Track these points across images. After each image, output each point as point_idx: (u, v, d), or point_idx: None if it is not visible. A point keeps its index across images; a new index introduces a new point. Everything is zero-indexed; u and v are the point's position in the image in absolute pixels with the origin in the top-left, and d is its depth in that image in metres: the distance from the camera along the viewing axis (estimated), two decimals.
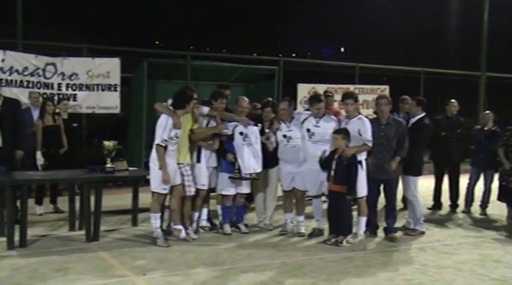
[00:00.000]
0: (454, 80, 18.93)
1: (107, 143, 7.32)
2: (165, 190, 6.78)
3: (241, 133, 7.38)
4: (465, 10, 20.39)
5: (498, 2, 18.25)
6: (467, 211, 9.67)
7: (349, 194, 6.90)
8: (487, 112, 9.79)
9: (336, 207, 7.05)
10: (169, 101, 7.01)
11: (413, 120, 7.80)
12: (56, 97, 10.58)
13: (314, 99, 7.49)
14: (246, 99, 7.75)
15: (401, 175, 7.63)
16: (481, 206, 9.62)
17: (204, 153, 7.28)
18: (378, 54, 22.84)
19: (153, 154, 6.72)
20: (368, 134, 7.04)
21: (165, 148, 6.63)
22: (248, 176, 7.36)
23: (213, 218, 7.85)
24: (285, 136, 7.45)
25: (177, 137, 6.72)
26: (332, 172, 6.98)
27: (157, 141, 6.63)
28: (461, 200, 9.87)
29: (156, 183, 6.72)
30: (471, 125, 10.41)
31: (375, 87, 13.72)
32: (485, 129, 9.47)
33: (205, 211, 7.63)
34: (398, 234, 7.56)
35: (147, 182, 7.96)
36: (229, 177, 7.35)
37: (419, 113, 7.83)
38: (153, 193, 6.86)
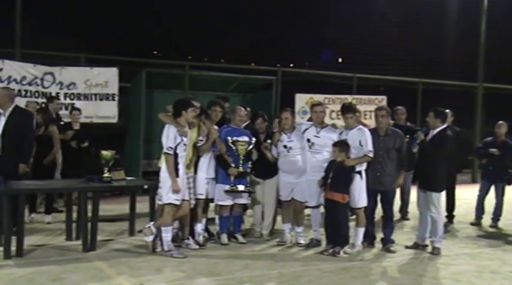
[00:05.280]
0: (451, 91, 18.97)
1: (104, 152, 7.31)
2: (179, 201, 6.69)
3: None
4: (463, 21, 20.50)
5: (496, 13, 18.35)
6: (477, 223, 9.49)
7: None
8: (500, 122, 9.39)
9: (332, 217, 7.06)
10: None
11: (433, 132, 7.36)
12: None
13: (313, 103, 7.82)
14: (243, 108, 7.73)
15: (423, 191, 7.43)
16: (492, 219, 9.47)
17: (203, 164, 7.28)
18: (375, 65, 22.91)
19: (165, 163, 6.69)
20: (369, 145, 7.06)
21: (175, 156, 6.60)
22: (243, 189, 7.39)
23: (210, 228, 7.84)
24: (285, 146, 7.46)
25: (185, 144, 6.71)
26: (329, 180, 6.99)
27: (163, 149, 6.62)
28: (465, 212, 9.87)
29: (170, 193, 6.62)
30: (468, 136, 10.39)
31: (373, 97, 13.73)
32: (500, 139, 9.28)
33: (203, 221, 7.62)
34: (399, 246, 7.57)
35: (144, 192, 7.96)
36: (225, 191, 7.35)
37: (439, 125, 7.36)
38: (166, 205, 6.69)
